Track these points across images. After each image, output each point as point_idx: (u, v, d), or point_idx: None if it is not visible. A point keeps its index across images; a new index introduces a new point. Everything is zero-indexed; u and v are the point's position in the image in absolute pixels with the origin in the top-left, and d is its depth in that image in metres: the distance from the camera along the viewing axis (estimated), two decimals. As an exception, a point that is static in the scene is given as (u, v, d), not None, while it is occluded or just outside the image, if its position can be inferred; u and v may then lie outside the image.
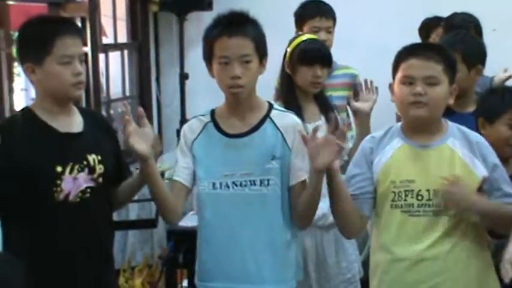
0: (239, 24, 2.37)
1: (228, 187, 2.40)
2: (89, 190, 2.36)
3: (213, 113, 2.48)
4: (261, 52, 2.40)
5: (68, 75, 2.29)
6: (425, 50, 2.37)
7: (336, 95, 3.35)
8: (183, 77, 5.36)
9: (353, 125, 3.38)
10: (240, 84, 2.35)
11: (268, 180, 2.40)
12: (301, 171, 2.44)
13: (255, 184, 2.40)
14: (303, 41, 3.08)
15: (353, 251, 3.13)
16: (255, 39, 2.37)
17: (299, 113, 2.83)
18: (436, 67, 2.30)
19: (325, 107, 3.08)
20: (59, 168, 2.30)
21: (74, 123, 2.41)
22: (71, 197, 2.32)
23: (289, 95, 3.05)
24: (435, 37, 4.45)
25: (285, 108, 2.62)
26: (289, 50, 3.09)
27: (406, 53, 2.35)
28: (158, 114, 5.73)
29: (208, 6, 5.22)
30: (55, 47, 2.27)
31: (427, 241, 2.30)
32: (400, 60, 2.35)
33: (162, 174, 4.04)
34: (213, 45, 2.36)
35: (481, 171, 2.32)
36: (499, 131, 2.62)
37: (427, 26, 4.58)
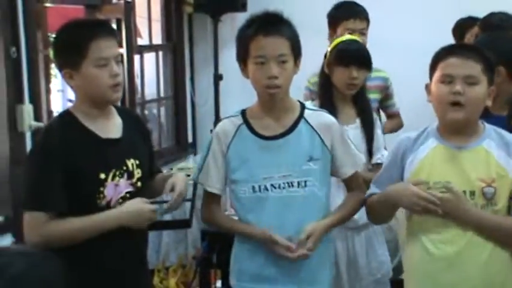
0: (274, 24, 2.37)
1: (267, 190, 2.41)
2: (128, 195, 2.37)
3: (244, 114, 2.48)
4: (296, 52, 2.40)
5: (105, 77, 2.30)
6: (464, 49, 2.35)
7: (369, 98, 3.33)
8: (217, 77, 5.38)
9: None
10: (277, 84, 2.35)
11: (305, 181, 2.41)
12: (347, 167, 2.50)
13: (293, 186, 2.40)
14: (343, 41, 3.06)
15: (383, 251, 3.12)
16: (290, 39, 2.37)
17: (333, 114, 2.82)
18: (475, 66, 2.28)
19: (363, 110, 3.06)
20: (102, 175, 2.31)
21: (114, 127, 2.41)
22: (112, 203, 2.33)
23: (326, 95, 3.03)
24: (470, 37, 4.39)
25: (320, 107, 2.63)
26: (329, 49, 3.07)
27: (444, 53, 2.33)
28: (192, 114, 5.77)
29: (242, 7, 5.23)
30: (90, 51, 2.28)
31: (462, 242, 2.27)
32: (439, 60, 2.33)
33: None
34: (248, 45, 2.36)
35: None
36: None
37: (462, 27, 4.52)
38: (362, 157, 2.59)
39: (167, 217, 4.26)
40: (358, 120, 3.03)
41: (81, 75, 2.30)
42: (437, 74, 2.31)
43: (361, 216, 2.93)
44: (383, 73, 3.67)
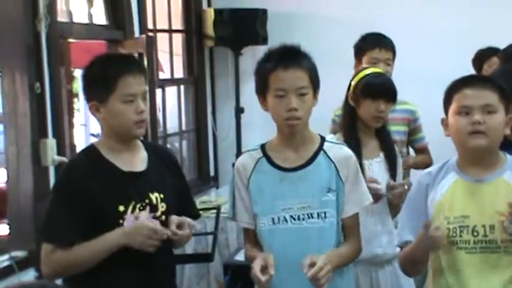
0: (293, 56, 2.40)
1: (287, 221, 2.41)
2: None
3: (263, 147, 2.49)
4: (315, 84, 2.41)
5: (131, 113, 2.33)
6: (478, 80, 2.37)
7: (394, 130, 3.31)
8: (239, 110, 5.40)
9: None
10: (297, 116, 2.36)
11: (325, 212, 2.41)
12: (352, 205, 2.46)
13: (312, 217, 2.41)
14: (368, 74, 3.05)
15: (409, 286, 3.07)
16: (309, 71, 2.39)
17: (358, 148, 2.83)
18: (491, 95, 2.27)
19: (386, 143, 3.04)
20: (121, 208, 2.32)
21: (138, 160, 2.43)
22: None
23: (351, 128, 3.01)
24: (487, 68, 4.44)
25: (345, 141, 2.62)
26: (353, 83, 3.05)
27: (459, 85, 2.32)
28: (214, 147, 5.78)
29: (263, 40, 5.28)
30: (118, 86, 2.31)
31: (486, 279, 2.24)
32: (453, 92, 2.32)
33: (218, 208, 4.10)
34: (267, 78, 2.38)
35: None
36: None
37: (481, 57, 4.57)
38: (370, 197, 2.56)
39: (189, 250, 4.28)
40: (382, 154, 3.01)
41: (107, 109, 2.33)
42: (453, 107, 2.30)
43: (385, 251, 2.92)
44: (410, 105, 3.66)
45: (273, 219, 2.41)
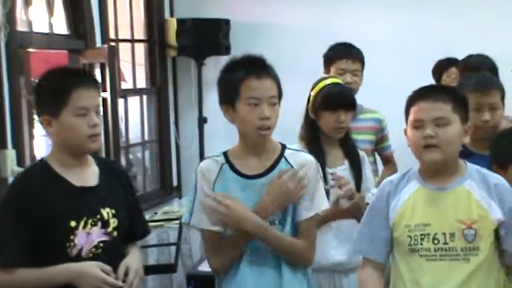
0: (264, 66, 2.40)
1: None
2: (101, 245, 2.33)
3: (226, 154, 2.47)
4: (281, 94, 2.43)
5: (84, 127, 2.30)
6: (433, 91, 2.36)
7: (361, 139, 3.33)
8: (202, 120, 5.39)
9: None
10: (269, 126, 2.37)
11: (285, 219, 2.42)
12: (308, 209, 2.44)
13: (274, 224, 2.41)
14: (327, 85, 3.05)
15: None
16: (277, 81, 2.41)
17: (321, 158, 2.83)
18: (444, 107, 2.29)
19: (350, 151, 3.05)
20: (73, 223, 2.28)
21: (90, 175, 2.39)
22: (83, 253, 2.30)
23: (313, 138, 3.03)
24: (446, 78, 4.52)
25: (308, 151, 2.62)
26: (312, 94, 3.06)
27: (415, 97, 2.35)
28: (177, 158, 5.75)
29: (226, 50, 5.29)
30: (71, 99, 2.28)
31: (444, 286, 2.25)
32: (410, 105, 2.35)
33: (181, 218, 4.06)
34: (238, 86, 2.36)
35: (497, 215, 2.27)
36: None
37: (440, 67, 4.65)
38: (326, 204, 2.57)
39: (152, 261, 4.24)
40: (346, 162, 3.02)
41: (59, 123, 2.30)
42: (409, 120, 2.33)
43: (350, 259, 2.92)
44: (377, 114, 3.67)
45: None
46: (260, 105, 2.35)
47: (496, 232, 2.29)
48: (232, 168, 2.44)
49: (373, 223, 2.40)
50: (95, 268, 2.27)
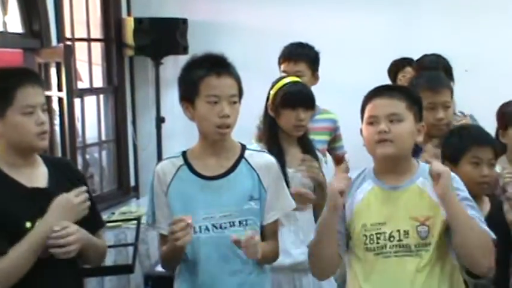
0: (224, 64, 2.41)
1: (208, 230, 2.40)
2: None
3: (185, 154, 2.47)
4: (241, 93, 2.44)
5: (32, 125, 2.27)
6: (388, 90, 2.42)
7: (317, 139, 3.34)
8: (159, 120, 5.37)
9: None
10: (229, 124, 2.37)
11: (246, 220, 2.41)
12: (273, 211, 2.47)
13: (234, 225, 2.40)
14: (286, 83, 3.07)
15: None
16: (238, 80, 2.42)
17: (281, 157, 2.83)
18: (398, 104, 2.33)
19: (309, 151, 3.06)
20: (28, 224, 2.25)
21: (39, 176, 2.36)
22: (40, 253, 2.26)
23: (272, 137, 3.03)
24: (401, 77, 4.59)
25: (267, 150, 2.63)
26: (272, 92, 3.07)
27: (370, 95, 2.39)
28: (135, 158, 5.72)
29: (184, 50, 5.27)
30: (16, 98, 2.25)
31: (400, 282, 2.28)
32: (366, 102, 2.39)
33: (139, 218, 4.04)
34: (198, 84, 2.36)
35: None
36: (465, 171, 2.62)
37: (395, 67, 4.72)
38: (293, 204, 2.58)
39: (109, 262, 4.20)
40: None
41: (6, 123, 2.27)
42: (365, 117, 2.37)
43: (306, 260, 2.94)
44: (332, 115, 3.70)
45: (193, 228, 2.37)
46: (220, 103, 2.35)
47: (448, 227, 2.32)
48: (191, 169, 2.44)
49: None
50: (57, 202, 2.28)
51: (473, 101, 3.92)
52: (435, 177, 2.23)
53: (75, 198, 2.31)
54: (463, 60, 4.36)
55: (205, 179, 2.42)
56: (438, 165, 2.27)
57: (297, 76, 3.53)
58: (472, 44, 4.99)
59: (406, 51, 4.70)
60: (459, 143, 2.70)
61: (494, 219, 2.57)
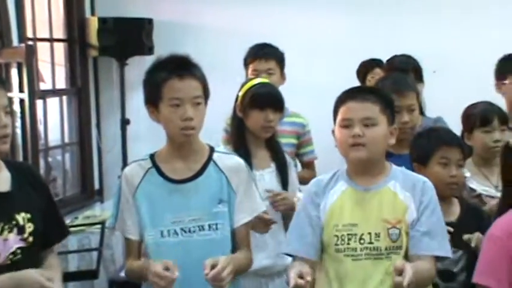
0: (187, 66, 2.40)
1: (177, 234, 2.39)
2: (19, 251, 2.26)
3: (153, 157, 2.46)
4: (207, 94, 2.42)
5: None
6: (361, 92, 2.44)
7: (284, 142, 3.35)
8: (124, 122, 5.34)
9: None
10: (193, 126, 2.36)
11: (216, 224, 2.41)
12: (243, 214, 2.46)
13: (203, 229, 2.39)
14: (254, 85, 3.08)
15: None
16: (202, 81, 2.41)
17: (248, 159, 2.83)
18: (373, 108, 2.35)
19: (277, 153, 3.07)
20: None
21: (2, 180, 2.31)
22: (1, 260, 2.22)
23: (240, 139, 3.04)
24: (370, 78, 4.62)
25: (234, 152, 2.63)
26: (240, 94, 3.08)
27: (344, 97, 2.41)
28: (99, 160, 5.67)
29: (149, 50, 5.24)
30: None
31: (370, 285, 2.29)
32: (339, 104, 2.40)
33: (103, 223, 3.99)
34: (161, 87, 2.36)
35: (412, 214, 2.33)
36: (434, 172, 2.66)
37: (364, 68, 4.74)
38: (263, 206, 2.57)
39: (72, 267, 4.15)
40: (272, 164, 3.04)
41: None
42: (338, 119, 2.38)
43: (275, 262, 2.93)
44: (301, 119, 3.69)
45: (161, 232, 2.38)
46: (183, 106, 2.35)
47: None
48: (159, 172, 2.43)
49: (303, 222, 2.41)
50: (35, 274, 2.19)
51: (441, 102, 3.96)
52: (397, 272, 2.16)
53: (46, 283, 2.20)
54: (432, 61, 4.39)
55: (173, 183, 2.41)
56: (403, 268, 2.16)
57: (268, 74, 3.56)
58: (440, 45, 5.04)
59: (374, 52, 4.72)
60: (428, 144, 2.74)
61: (464, 223, 2.62)
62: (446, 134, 2.81)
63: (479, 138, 3.08)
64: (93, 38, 5.24)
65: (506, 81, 3.58)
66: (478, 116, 3.10)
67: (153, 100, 2.39)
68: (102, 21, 5.22)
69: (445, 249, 2.33)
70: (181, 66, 2.38)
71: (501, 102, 3.57)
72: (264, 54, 3.69)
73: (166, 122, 2.38)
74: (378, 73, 4.51)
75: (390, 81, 3.10)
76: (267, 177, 2.99)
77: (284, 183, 3.03)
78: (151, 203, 2.41)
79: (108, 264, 4.32)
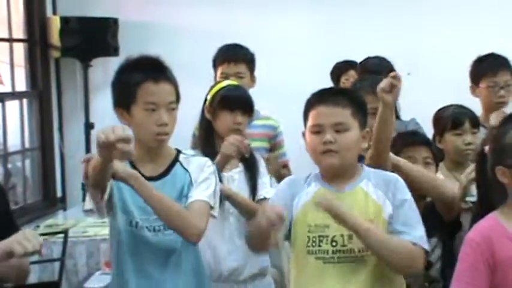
0: (162, 69, 2.41)
1: (143, 231, 2.41)
2: None
3: None
4: (179, 98, 2.45)
5: None
6: (332, 95, 2.42)
7: (255, 146, 3.35)
8: (89, 126, 5.31)
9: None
10: (167, 132, 2.39)
11: None
12: (194, 192, 2.43)
13: (160, 230, 2.42)
14: (224, 87, 3.11)
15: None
16: (175, 85, 2.43)
17: (215, 161, 2.84)
18: (343, 112, 2.36)
19: (245, 156, 3.05)
20: None
21: None
22: None
23: (208, 141, 3.06)
24: (345, 81, 4.65)
25: (203, 155, 2.64)
26: (209, 96, 3.10)
27: (314, 101, 2.41)
28: (61, 166, 5.62)
29: (115, 51, 5.22)
30: None
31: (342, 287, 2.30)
32: (309, 108, 2.41)
33: (66, 231, 3.96)
34: (135, 90, 2.36)
35: (389, 211, 2.34)
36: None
37: (338, 70, 4.77)
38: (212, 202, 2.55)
39: (33, 279, 4.11)
40: (241, 164, 3.05)
41: None
42: (308, 124, 2.39)
43: (243, 265, 2.96)
44: (272, 121, 3.71)
45: (130, 221, 2.41)
46: (158, 111, 2.36)
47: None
48: (133, 167, 2.41)
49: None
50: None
51: (416, 106, 3.99)
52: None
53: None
54: (406, 63, 4.43)
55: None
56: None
57: (238, 77, 3.57)
58: (415, 46, 5.10)
59: (347, 53, 4.76)
60: (393, 149, 2.77)
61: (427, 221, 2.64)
62: (410, 136, 2.91)
63: (450, 141, 3.14)
64: (55, 38, 5.21)
65: (481, 85, 3.64)
66: (449, 118, 3.16)
67: (124, 102, 2.38)
68: (65, 20, 5.19)
69: (423, 241, 2.33)
70: (155, 69, 2.39)
71: (477, 104, 3.63)
72: (234, 57, 3.70)
73: (139, 126, 2.37)
74: (352, 75, 4.55)
75: (369, 82, 3.12)
76: (236, 176, 3.01)
77: (253, 182, 3.04)
78: (122, 199, 2.41)
79: (70, 276, 4.28)
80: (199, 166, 2.48)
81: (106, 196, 2.30)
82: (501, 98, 3.59)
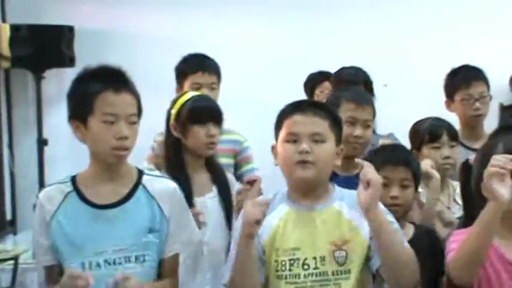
0: (123, 78, 2.38)
1: (99, 266, 2.34)
2: None
3: (74, 180, 2.42)
4: (140, 111, 2.40)
5: None
6: (309, 106, 2.44)
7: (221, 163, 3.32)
8: (42, 142, 5.25)
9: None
10: (127, 146, 2.34)
11: (144, 256, 2.37)
12: (177, 245, 2.44)
13: (130, 261, 2.36)
14: (189, 98, 3.06)
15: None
16: (137, 97, 2.39)
17: (187, 185, 2.83)
18: (322, 123, 2.35)
19: (218, 175, 3.05)
20: None
21: None
22: None
23: (177, 163, 3.00)
24: (319, 93, 4.66)
25: (173, 178, 2.59)
26: (174, 111, 3.04)
27: (290, 110, 2.40)
28: (11, 186, 5.54)
29: (70, 61, 5.18)
30: None
31: None
32: (284, 118, 2.39)
33: (16, 258, 3.88)
34: (93, 101, 2.31)
35: (367, 232, 2.32)
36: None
37: (312, 81, 4.77)
38: (199, 235, 2.58)
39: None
40: (214, 188, 3.01)
41: None
42: (282, 133, 2.37)
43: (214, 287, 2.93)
44: (236, 135, 3.69)
45: (83, 263, 2.34)
46: (117, 123, 2.31)
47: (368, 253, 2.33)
48: (81, 196, 2.38)
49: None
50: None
51: (393, 118, 4.00)
52: (364, 184, 2.21)
53: None
54: (383, 74, 4.45)
55: (97, 208, 2.37)
56: (371, 172, 2.23)
57: (211, 88, 3.56)
58: (392, 56, 5.13)
59: (320, 64, 4.77)
60: (378, 164, 2.75)
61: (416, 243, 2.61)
62: (389, 153, 2.86)
63: (428, 155, 3.14)
64: (4, 47, 5.12)
65: (456, 98, 3.62)
66: (427, 131, 3.19)
67: (80, 114, 2.34)
68: (15, 28, 5.12)
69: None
70: (116, 79, 2.36)
71: (454, 116, 3.63)
72: (208, 67, 3.70)
73: (96, 139, 2.33)
74: (326, 87, 4.55)
75: (351, 91, 3.15)
76: (209, 203, 2.97)
77: (228, 206, 3.00)
78: (70, 231, 2.35)
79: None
80: (167, 193, 2.44)
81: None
82: (477, 111, 3.59)
